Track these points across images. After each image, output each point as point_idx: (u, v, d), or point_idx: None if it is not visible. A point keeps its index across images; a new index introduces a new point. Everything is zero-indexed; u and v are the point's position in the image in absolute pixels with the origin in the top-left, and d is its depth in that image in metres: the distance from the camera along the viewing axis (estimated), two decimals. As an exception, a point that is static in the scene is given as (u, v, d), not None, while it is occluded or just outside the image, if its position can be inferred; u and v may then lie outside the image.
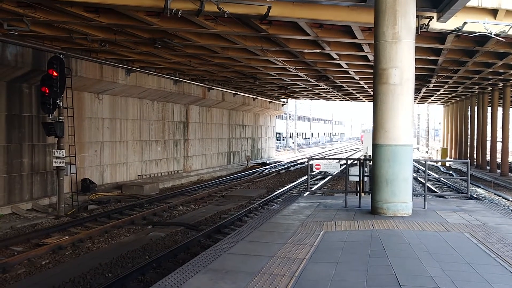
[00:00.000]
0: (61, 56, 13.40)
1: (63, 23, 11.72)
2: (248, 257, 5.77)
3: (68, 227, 11.76)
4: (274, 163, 34.23)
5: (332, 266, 5.34)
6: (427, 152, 55.30)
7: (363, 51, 14.78)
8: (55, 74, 12.76)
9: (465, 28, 10.78)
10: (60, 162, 13.28)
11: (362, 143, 44.91)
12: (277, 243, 6.48)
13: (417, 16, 9.90)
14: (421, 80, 22.05)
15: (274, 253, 5.90)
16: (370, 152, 10.81)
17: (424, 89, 26.13)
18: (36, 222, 12.39)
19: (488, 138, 29.71)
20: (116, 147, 19.16)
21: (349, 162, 10.90)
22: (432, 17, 10.40)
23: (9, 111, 13.78)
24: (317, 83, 24.31)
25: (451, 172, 28.53)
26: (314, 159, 10.55)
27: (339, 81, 24.36)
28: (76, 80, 15.08)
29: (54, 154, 13.32)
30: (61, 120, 13.33)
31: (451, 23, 10.61)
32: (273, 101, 36.67)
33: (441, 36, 13.06)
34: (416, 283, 4.75)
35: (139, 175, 20.77)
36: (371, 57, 15.36)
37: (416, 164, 31.06)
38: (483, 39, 12.72)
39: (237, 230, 7.59)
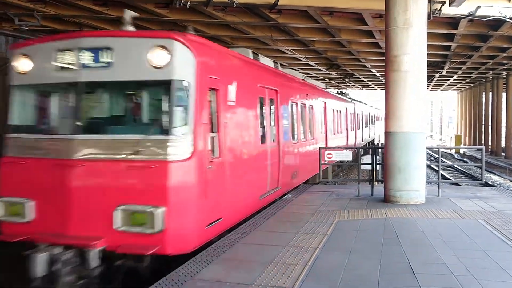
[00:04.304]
0: (72, 50, 13.46)
1: (73, 17, 11.80)
2: (261, 247, 5.79)
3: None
4: (286, 153, 34.09)
5: (345, 255, 5.33)
6: (440, 139, 54.76)
7: (374, 38, 14.62)
8: (67, 68, 12.82)
9: (479, 12, 10.58)
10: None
11: None
12: (289, 232, 6.48)
13: (429, 1, 9.73)
14: (433, 67, 21.75)
15: (287, 243, 5.91)
16: (382, 141, 10.73)
17: (437, 75, 25.79)
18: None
19: (503, 124, 29.28)
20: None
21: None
22: (445, 2, 10.22)
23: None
24: (328, 72, 24.14)
25: (465, 159, 28.21)
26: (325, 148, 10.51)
27: (350, 69, 24.17)
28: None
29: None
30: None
31: (464, 8, 10.42)
32: (284, 90, 36.44)
33: (454, 21, 12.85)
34: (430, 271, 4.72)
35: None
36: (382, 44, 15.16)
37: (429, 151, 30.79)
38: (497, 23, 12.49)
39: (250, 220, 7.62)
